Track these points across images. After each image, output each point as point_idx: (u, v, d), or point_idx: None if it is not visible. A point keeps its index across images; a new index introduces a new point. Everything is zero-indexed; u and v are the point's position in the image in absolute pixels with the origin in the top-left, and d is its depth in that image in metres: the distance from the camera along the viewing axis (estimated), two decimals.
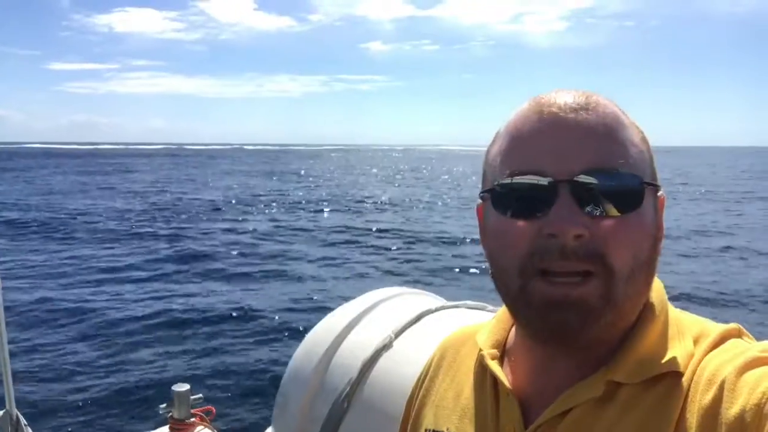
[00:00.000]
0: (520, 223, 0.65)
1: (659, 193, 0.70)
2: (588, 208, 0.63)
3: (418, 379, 0.92)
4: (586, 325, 0.63)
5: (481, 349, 0.79)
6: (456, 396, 0.81)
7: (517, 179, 0.66)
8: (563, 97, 0.67)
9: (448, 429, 0.78)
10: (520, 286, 0.65)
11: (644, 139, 0.70)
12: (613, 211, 0.63)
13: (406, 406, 0.93)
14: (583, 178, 0.63)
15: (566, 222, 0.62)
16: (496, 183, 0.68)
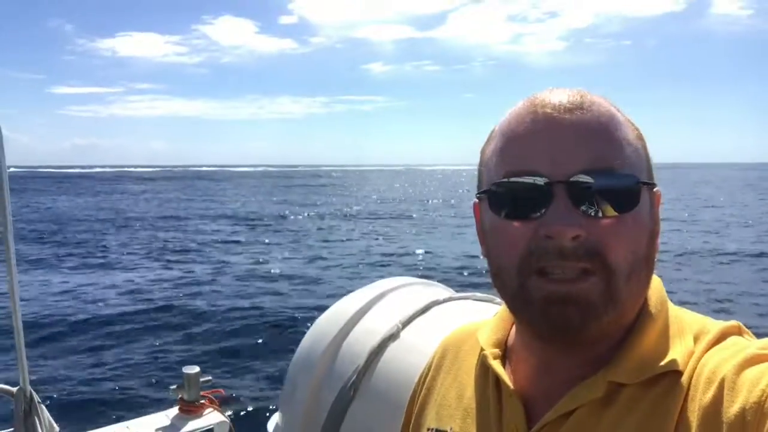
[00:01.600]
0: (517, 223, 0.66)
1: (655, 189, 0.70)
2: (584, 209, 0.63)
3: (420, 378, 0.92)
4: (587, 321, 0.63)
5: (483, 349, 0.78)
6: (458, 395, 0.81)
7: (513, 180, 0.66)
8: (558, 96, 0.67)
9: (451, 429, 0.78)
10: (519, 284, 0.66)
11: (640, 136, 0.70)
12: (610, 211, 0.63)
13: (408, 405, 0.92)
14: (580, 179, 0.63)
15: (563, 223, 0.62)
16: (492, 183, 0.68)
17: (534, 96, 0.69)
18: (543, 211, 0.63)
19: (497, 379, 0.75)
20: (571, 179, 0.63)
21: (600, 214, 0.63)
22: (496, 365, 0.75)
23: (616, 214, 0.63)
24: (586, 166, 0.63)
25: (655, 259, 0.69)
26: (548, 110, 0.66)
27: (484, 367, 0.78)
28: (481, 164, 0.74)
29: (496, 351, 0.77)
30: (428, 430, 0.82)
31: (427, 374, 0.91)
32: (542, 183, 0.63)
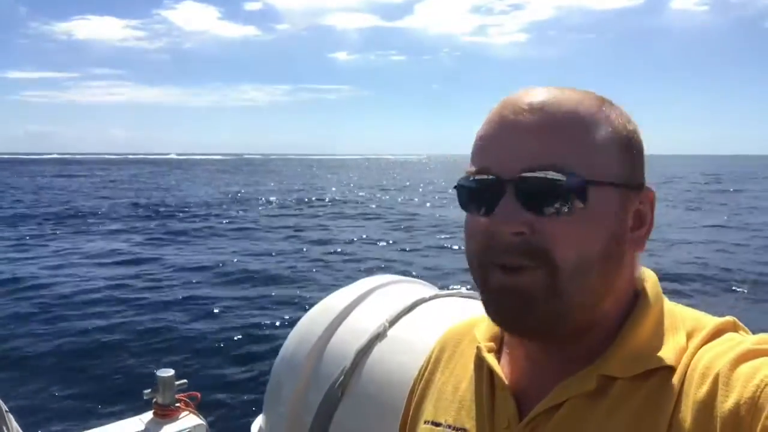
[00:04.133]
0: (477, 219, 0.69)
1: (642, 190, 0.70)
2: (530, 206, 0.65)
3: (419, 372, 0.93)
4: (525, 311, 0.65)
5: (479, 342, 0.80)
6: (455, 388, 0.82)
7: (470, 178, 0.70)
8: (527, 97, 0.68)
9: (446, 421, 0.79)
10: (481, 274, 0.69)
11: (616, 138, 0.68)
12: (553, 209, 0.64)
13: (407, 399, 0.93)
14: (525, 176, 0.65)
15: (504, 220, 0.65)
16: (457, 181, 0.72)
17: (508, 97, 0.71)
18: (494, 208, 0.66)
19: (491, 373, 0.76)
20: (517, 177, 0.65)
21: (545, 212, 0.64)
22: (490, 358, 0.76)
23: (560, 212, 0.64)
24: (530, 164, 0.65)
25: (626, 257, 0.69)
26: (508, 113, 0.68)
27: (479, 361, 0.79)
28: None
29: (491, 345, 0.79)
30: (425, 422, 0.83)
31: (426, 368, 0.92)
32: (492, 181, 0.67)
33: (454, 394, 0.81)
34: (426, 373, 0.90)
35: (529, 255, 0.65)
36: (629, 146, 0.69)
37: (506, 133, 0.67)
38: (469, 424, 0.76)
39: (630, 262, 0.70)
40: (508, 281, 0.66)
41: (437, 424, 0.80)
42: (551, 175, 0.64)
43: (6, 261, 13.08)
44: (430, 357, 0.92)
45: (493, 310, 0.69)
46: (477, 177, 0.69)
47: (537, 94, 0.68)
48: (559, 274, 0.64)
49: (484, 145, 0.70)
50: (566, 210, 0.64)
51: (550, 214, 0.65)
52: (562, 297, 0.65)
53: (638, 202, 0.70)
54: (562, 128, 0.66)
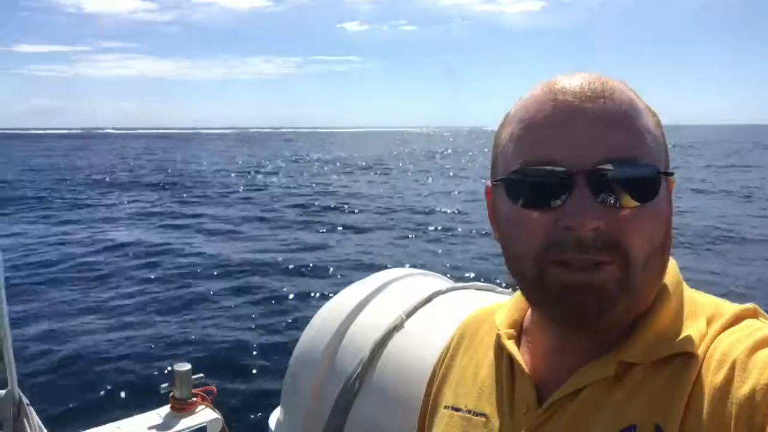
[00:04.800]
0: (535, 213, 0.65)
1: (672, 176, 0.69)
2: (604, 199, 0.62)
3: (439, 359, 0.93)
4: (603, 310, 0.63)
5: (498, 329, 0.80)
6: (474, 374, 0.82)
7: (532, 169, 0.65)
8: (578, 82, 0.66)
9: (465, 406, 0.79)
10: (538, 273, 0.65)
11: (658, 124, 0.69)
12: (630, 202, 0.62)
13: (427, 385, 0.93)
14: (600, 169, 0.62)
15: (583, 215, 0.61)
16: (510, 172, 0.67)
17: (553, 81, 0.67)
18: (562, 201, 0.63)
19: (511, 359, 0.76)
20: (592, 169, 0.62)
21: (620, 205, 0.62)
22: (510, 345, 0.76)
23: (636, 204, 0.62)
24: (606, 155, 0.62)
25: (671, 246, 0.69)
26: (569, 98, 0.64)
27: (499, 347, 0.79)
28: (496, 148, 0.73)
29: (511, 331, 0.79)
30: (445, 407, 0.83)
31: (446, 355, 0.92)
32: (562, 173, 0.62)
33: (474, 380, 0.81)
34: (446, 360, 0.90)
35: (605, 250, 0.62)
36: (663, 133, 0.69)
37: (573, 120, 0.63)
38: (489, 409, 0.76)
39: None
40: (577, 278, 0.62)
41: (457, 410, 0.80)
42: (630, 165, 0.62)
43: (23, 250, 13.19)
44: (450, 343, 0.92)
45: (562, 311, 0.65)
46: (540, 169, 0.64)
47: (590, 81, 0.65)
48: (630, 267, 0.62)
49: (543, 132, 0.65)
50: (642, 202, 0.63)
51: (624, 207, 0.62)
52: (633, 292, 0.63)
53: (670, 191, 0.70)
54: (630, 116, 0.64)
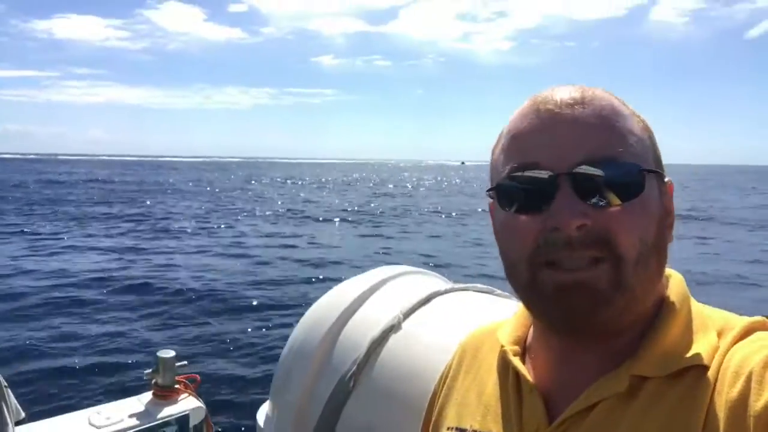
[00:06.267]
0: (525, 217, 0.67)
1: (666, 179, 0.71)
2: (589, 198, 0.64)
3: (440, 378, 0.92)
4: (595, 308, 0.63)
5: (502, 346, 0.79)
6: (479, 393, 0.81)
7: (518, 174, 0.68)
8: (559, 93, 0.69)
9: (471, 426, 0.77)
10: (530, 277, 0.67)
11: (645, 128, 0.71)
12: (615, 200, 0.64)
13: (428, 405, 0.91)
14: (582, 169, 0.64)
15: (568, 214, 0.63)
16: (499, 180, 0.71)
17: (537, 95, 0.71)
18: (548, 203, 0.65)
19: (517, 376, 0.75)
20: (574, 170, 0.64)
21: (605, 203, 0.64)
22: (516, 361, 0.75)
23: (620, 202, 0.64)
24: (587, 156, 0.64)
25: (667, 249, 0.70)
26: (550, 107, 0.68)
27: (504, 364, 0.78)
28: (490, 165, 0.76)
29: (516, 348, 0.78)
30: (448, 429, 0.81)
31: (447, 375, 0.91)
32: (546, 176, 0.65)
33: (478, 399, 0.80)
34: (447, 380, 0.89)
35: (594, 246, 0.63)
36: (652, 137, 0.72)
37: (553, 126, 0.67)
38: (495, 428, 0.74)
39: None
40: (567, 278, 0.64)
41: (462, 430, 0.79)
42: (611, 165, 0.64)
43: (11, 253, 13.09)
44: (452, 362, 0.91)
45: (556, 311, 0.66)
46: (525, 174, 0.67)
47: (571, 90, 0.69)
48: (623, 265, 0.63)
49: (527, 140, 0.68)
50: (626, 200, 0.64)
51: (610, 205, 0.64)
52: (627, 290, 0.64)
53: (664, 192, 0.71)
54: (609, 119, 0.67)
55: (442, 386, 0.90)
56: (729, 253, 15.05)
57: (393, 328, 1.35)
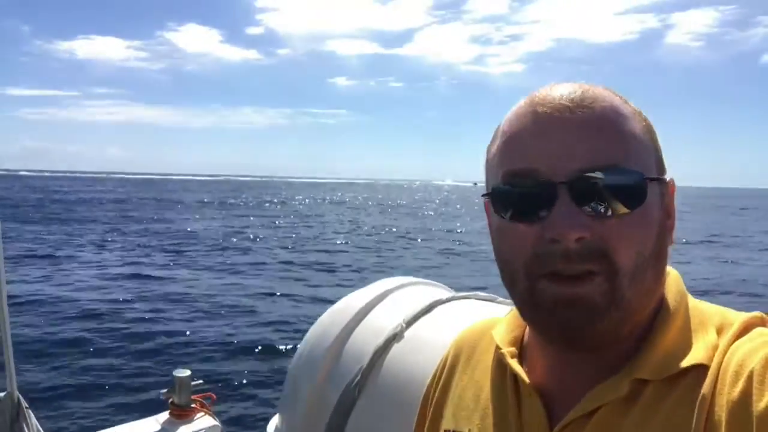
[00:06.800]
0: (522, 226, 0.64)
1: (668, 180, 0.68)
2: (588, 208, 0.61)
3: (433, 377, 0.90)
4: (590, 323, 0.61)
5: (499, 347, 0.76)
6: (476, 395, 0.78)
7: (515, 181, 0.64)
8: (558, 92, 0.65)
9: (470, 430, 0.75)
10: (528, 287, 0.64)
11: (648, 128, 0.67)
12: (616, 210, 0.61)
13: (422, 405, 0.90)
14: (582, 178, 0.61)
15: (566, 225, 0.60)
16: (495, 185, 0.67)
17: (535, 93, 0.67)
18: (546, 212, 0.62)
19: (515, 378, 0.73)
20: (573, 178, 0.61)
21: (605, 214, 0.61)
22: (514, 364, 0.73)
23: (622, 212, 0.61)
24: (588, 163, 0.61)
25: (667, 254, 0.67)
26: (548, 109, 0.63)
27: (501, 366, 0.76)
28: (486, 163, 0.72)
29: (513, 349, 0.75)
30: (445, 431, 0.79)
31: (441, 374, 0.88)
32: (545, 183, 0.61)
33: (476, 401, 0.77)
34: (442, 380, 0.87)
35: (591, 260, 0.60)
36: (654, 137, 0.68)
37: (552, 130, 0.62)
38: None
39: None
40: (565, 292, 0.61)
41: None
42: (612, 173, 0.61)
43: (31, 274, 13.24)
44: (444, 363, 0.89)
45: (553, 326, 0.64)
46: (523, 182, 0.63)
47: (570, 90, 0.64)
48: (618, 279, 0.61)
49: (523, 144, 0.64)
50: (628, 209, 0.61)
51: (612, 216, 0.61)
52: (622, 303, 0.62)
53: (665, 193, 0.68)
54: (611, 123, 0.63)
55: (436, 386, 0.87)
56: None
57: (396, 337, 1.37)
